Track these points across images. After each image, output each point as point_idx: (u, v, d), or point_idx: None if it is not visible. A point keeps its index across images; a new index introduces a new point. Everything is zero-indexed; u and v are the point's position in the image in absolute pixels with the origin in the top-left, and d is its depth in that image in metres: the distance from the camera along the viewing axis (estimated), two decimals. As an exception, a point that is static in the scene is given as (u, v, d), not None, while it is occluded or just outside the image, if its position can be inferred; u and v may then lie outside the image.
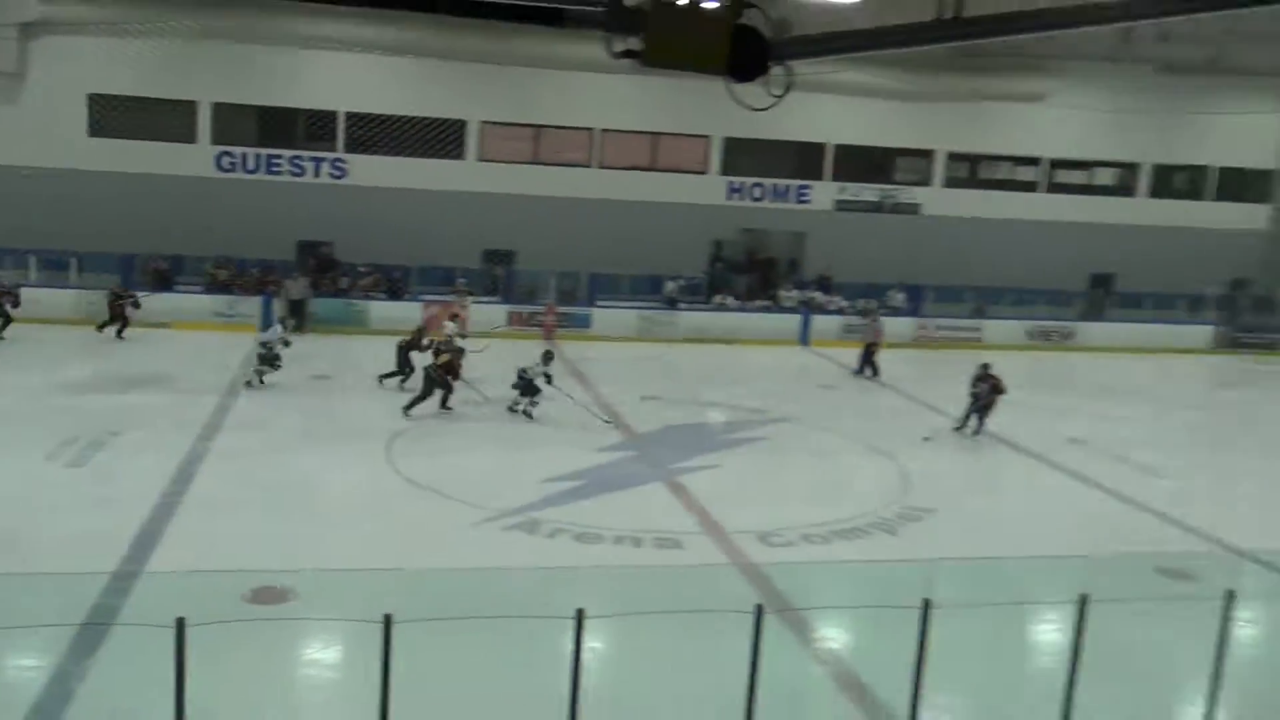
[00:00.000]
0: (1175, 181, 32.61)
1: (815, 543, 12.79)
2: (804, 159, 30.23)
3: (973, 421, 18.49)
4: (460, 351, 18.83)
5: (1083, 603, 7.02)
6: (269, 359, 19.24)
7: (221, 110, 26.87)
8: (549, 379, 18.19)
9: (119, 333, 22.80)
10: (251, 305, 25.15)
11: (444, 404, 18.11)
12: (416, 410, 17.81)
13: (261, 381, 19.22)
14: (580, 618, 6.33)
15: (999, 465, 17.47)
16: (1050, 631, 9.31)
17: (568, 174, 28.55)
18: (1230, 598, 7.42)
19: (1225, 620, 7.41)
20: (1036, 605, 9.38)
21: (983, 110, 29.99)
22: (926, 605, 6.74)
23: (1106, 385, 24.17)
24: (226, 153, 26.86)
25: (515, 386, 18.23)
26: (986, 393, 18.33)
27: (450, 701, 8.26)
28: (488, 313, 25.80)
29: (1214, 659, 7.41)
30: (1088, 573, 7.35)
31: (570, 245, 27.53)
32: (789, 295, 29.24)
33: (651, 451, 16.68)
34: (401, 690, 6.22)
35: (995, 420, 18.48)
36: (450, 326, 21.21)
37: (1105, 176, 32.35)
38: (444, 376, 18.09)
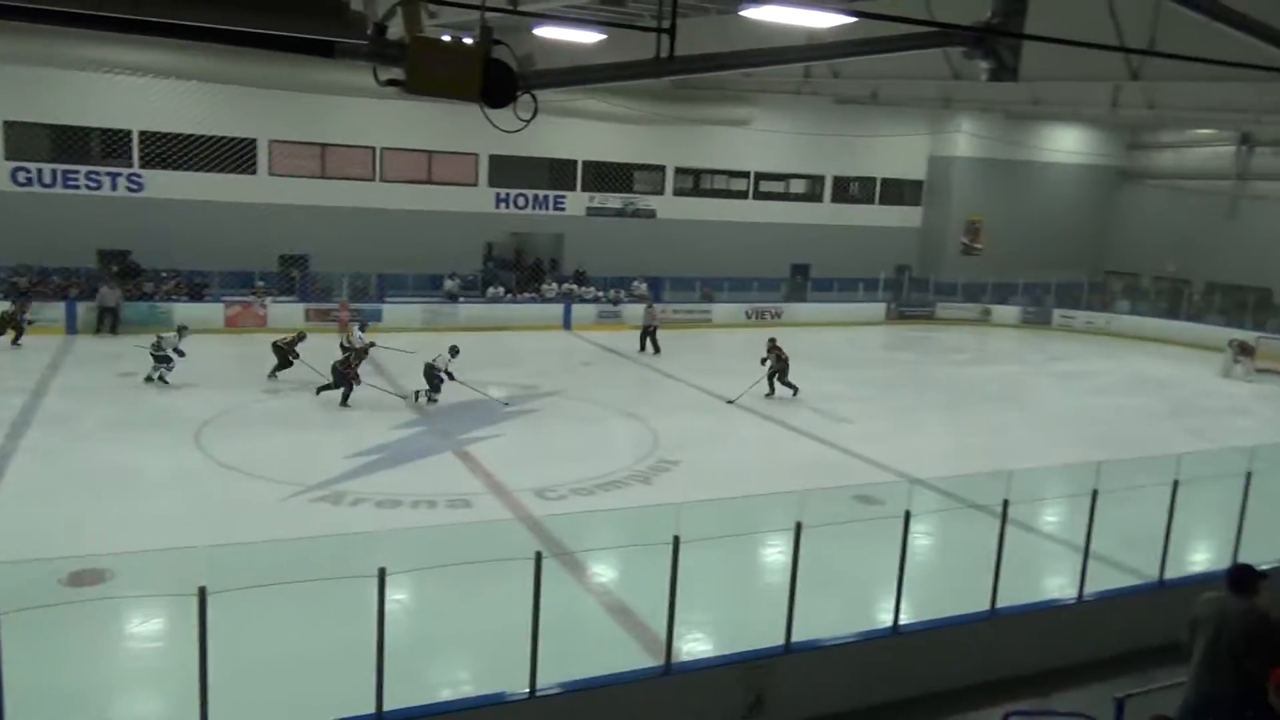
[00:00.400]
0: (851, 190, 34.76)
1: (584, 495, 12.87)
2: (559, 173, 30.24)
3: (777, 387, 19.36)
4: (363, 352, 18.08)
5: (798, 529, 7.33)
6: (162, 359, 17.82)
7: (15, 127, 24.11)
8: (450, 375, 17.52)
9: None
10: (56, 310, 22.78)
11: (344, 400, 17.05)
12: (324, 395, 17.17)
13: (164, 380, 17.72)
14: (382, 575, 6.07)
15: (729, 422, 17.96)
16: (775, 554, 9.70)
17: (354, 187, 27.34)
18: (907, 516, 7.93)
19: (905, 534, 7.92)
20: (764, 534, 9.74)
21: (703, 132, 30.96)
22: (676, 541, 6.87)
23: (809, 353, 25.39)
24: (22, 168, 24.10)
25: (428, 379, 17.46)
26: (774, 361, 19.33)
27: (267, 663, 7.78)
28: (287, 310, 24.50)
29: (899, 564, 7.91)
30: (802, 505, 7.65)
31: (361, 249, 26.47)
32: (551, 288, 29.30)
33: (442, 425, 16.29)
34: (219, 658, 5.77)
35: (721, 383, 19.18)
36: (355, 330, 20.06)
37: (799, 186, 34.12)
38: (346, 373, 17.17)
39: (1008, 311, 33.10)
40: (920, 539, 11.16)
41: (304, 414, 16.63)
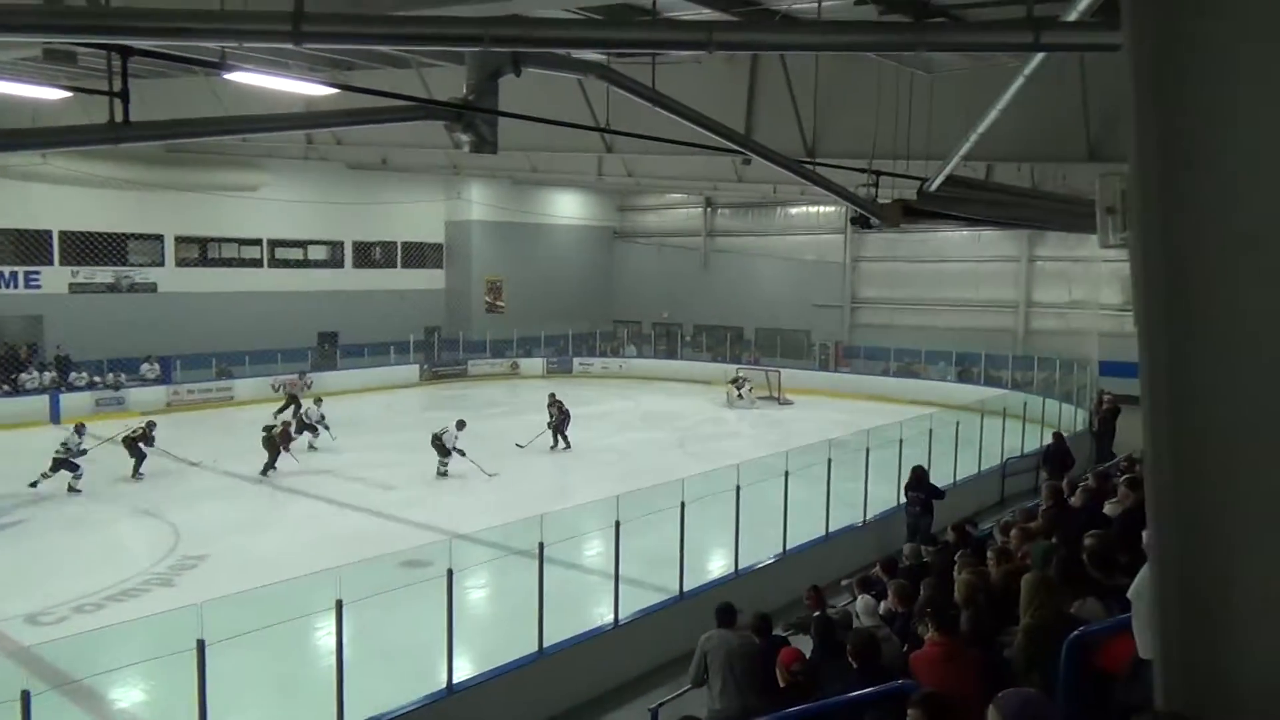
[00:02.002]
0: (373, 254, 34.69)
1: (88, 612, 11.15)
2: (30, 245, 26.24)
3: (559, 441, 21.10)
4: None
5: (339, 607, 7.06)
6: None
7: None
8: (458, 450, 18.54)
9: None
10: None
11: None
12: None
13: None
14: None
15: (261, 504, 16.85)
16: (324, 637, 9.19)
17: None
18: (450, 575, 8.01)
19: (450, 592, 7.98)
20: (309, 617, 9.20)
21: (208, 199, 28.95)
22: (201, 645, 6.24)
23: (347, 420, 24.65)
24: None
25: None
26: (557, 415, 20.99)
27: None
28: None
29: (447, 623, 7.94)
30: (347, 580, 7.37)
31: None
32: (31, 377, 25.12)
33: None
34: None
35: (250, 465, 17.95)
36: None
37: (319, 252, 33.23)
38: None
39: (534, 363, 35.16)
40: (473, 593, 11.38)
41: None
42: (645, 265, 40.15)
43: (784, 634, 7.63)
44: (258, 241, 31.21)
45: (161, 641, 6.95)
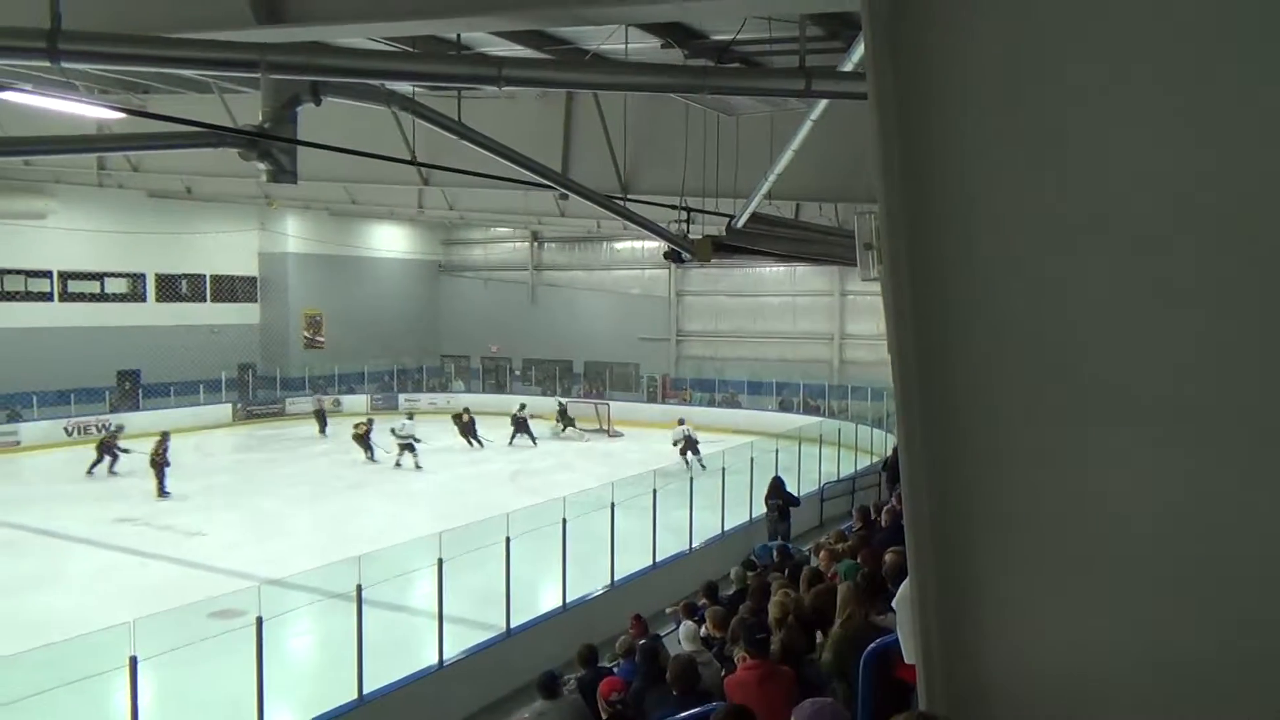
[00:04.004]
0: (180, 287, 32.75)
1: None
2: None
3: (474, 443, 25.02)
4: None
5: (132, 664, 6.60)
6: None
7: None
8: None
9: None
10: None
11: None
12: None
13: None
14: None
15: (50, 558, 15.49)
16: (120, 698, 8.55)
17: None
18: (259, 623, 7.65)
19: (260, 642, 7.62)
20: (105, 675, 8.52)
21: (-15, 227, 26.57)
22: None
23: (147, 466, 23.14)
24: None
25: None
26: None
27: None
28: None
29: (256, 674, 7.56)
30: (146, 634, 6.88)
31: None
32: None
33: None
34: None
35: (37, 515, 16.47)
36: None
37: (118, 285, 31.04)
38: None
39: (357, 400, 34.02)
40: (291, 640, 10.85)
41: None
42: (472, 299, 39.73)
43: (608, 665, 7.68)
44: (47, 273, 28.86)
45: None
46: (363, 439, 24.38)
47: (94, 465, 21.69)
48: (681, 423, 24.06)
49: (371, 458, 24.00)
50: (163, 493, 19.63)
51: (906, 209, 2.25)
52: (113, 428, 22.96)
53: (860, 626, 5.33)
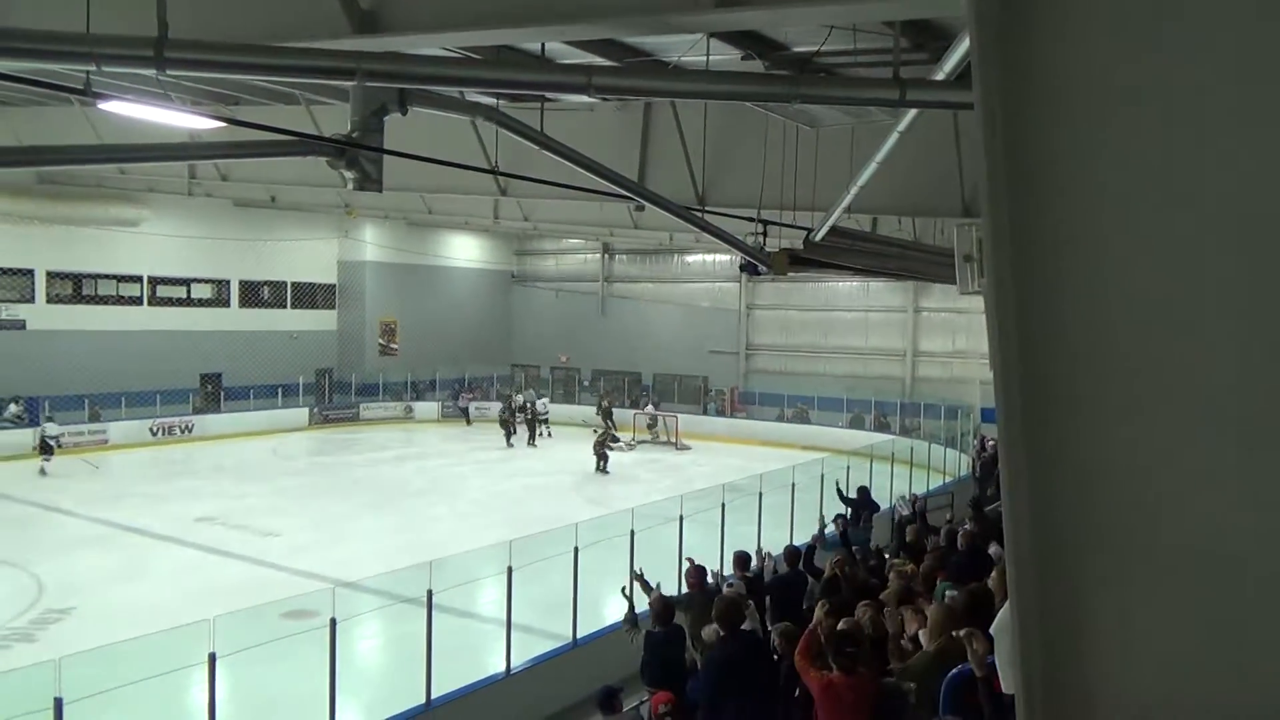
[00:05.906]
0: (262, 294, 33.68)
1: (-63, 673, 10.31)
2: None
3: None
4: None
5: (211, 660, 6.74)
6: None
7: None
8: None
9: None
10: None
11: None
12: None
13: None
14: None
15: (137, 553, 15.99)
16: (198, 692, 8.74)
17: None
18: (333, 624, 7.74)
19: (333, 642, 7.71)
20: (184, 671, 8.73)
21: (80, 233, 27.65)
22: (58, 704, 5.85)
23: (226, 467, 23.86)
24: None
25: None
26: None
27: None
28: None
29: (329, 674, 7.65)
30: (224, 632, 7.03)
31: None
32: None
33: None
34: None
35: (125, 512, 17.02)
36: None
37: (203, 290, 32.08)
38: None
39: (429, 407, 34.54)
40: (360, 642, 11.00)
41: None
42: (543, 309, 40.06)
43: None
44: (138, 278, 29.95)
45: (15, 701, 6.49)
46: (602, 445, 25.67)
47: None
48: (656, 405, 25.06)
49: (604, 469, 25.07)
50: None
51: (1013, 220, 2.15)
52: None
53: (954, 646, 5.21)
